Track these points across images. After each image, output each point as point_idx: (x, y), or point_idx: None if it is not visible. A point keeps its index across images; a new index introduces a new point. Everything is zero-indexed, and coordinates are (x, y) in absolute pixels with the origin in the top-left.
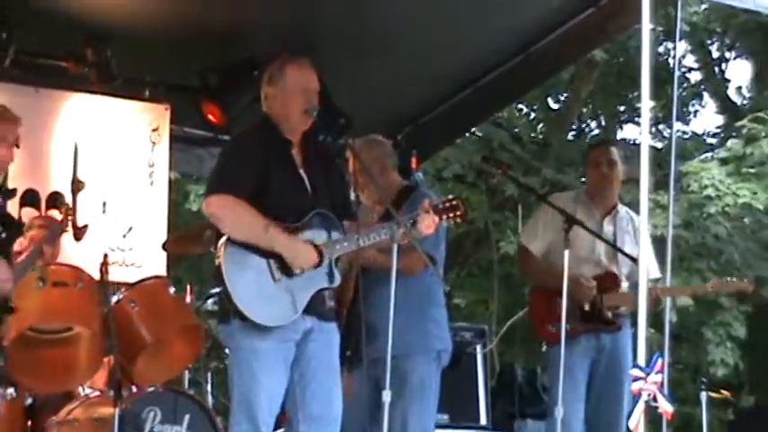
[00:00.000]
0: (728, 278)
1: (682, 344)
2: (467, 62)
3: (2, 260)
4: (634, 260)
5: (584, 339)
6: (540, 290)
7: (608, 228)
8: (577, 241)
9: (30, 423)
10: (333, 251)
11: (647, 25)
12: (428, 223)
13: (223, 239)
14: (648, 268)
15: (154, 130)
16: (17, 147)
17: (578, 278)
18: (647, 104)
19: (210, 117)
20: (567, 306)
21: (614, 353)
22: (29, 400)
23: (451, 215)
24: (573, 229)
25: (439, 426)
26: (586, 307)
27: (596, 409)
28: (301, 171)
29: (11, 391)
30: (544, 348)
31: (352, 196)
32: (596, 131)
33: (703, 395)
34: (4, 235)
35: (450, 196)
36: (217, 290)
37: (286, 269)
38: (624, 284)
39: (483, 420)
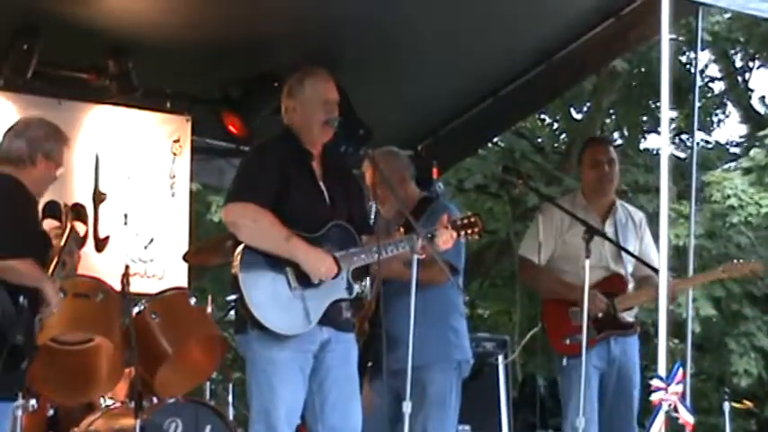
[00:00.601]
0: (738, 260)
1: (705, 354)
2: (487, 73)
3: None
4: (639, 259)
5: (596, 350)
6: (550, 302)
7: (609, 228)
8: (579, 245)
9: None
10: (350, 263)
11: (666, 35)
12: (446, 238)
13: (240, 248)
14: (651, 258)
15: (175, 142)
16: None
17: (592, 294)
18: (666, 114)
19: (231, 128)
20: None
21: (623, 365)
22: (50, 412)
23: (469, 231)
24: (572, 231)
25: None
26: (600, 314)
27: (609, 421)
28: (321, 183)
29: (32, 402)
30: (564, 362)
31: (371, 208)
32: (619, 141)
33: (726, 405)
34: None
35: (469, 213)
36: (233, 297)
37: (304, 279)
38: (630, 284)
39: (505, 431)
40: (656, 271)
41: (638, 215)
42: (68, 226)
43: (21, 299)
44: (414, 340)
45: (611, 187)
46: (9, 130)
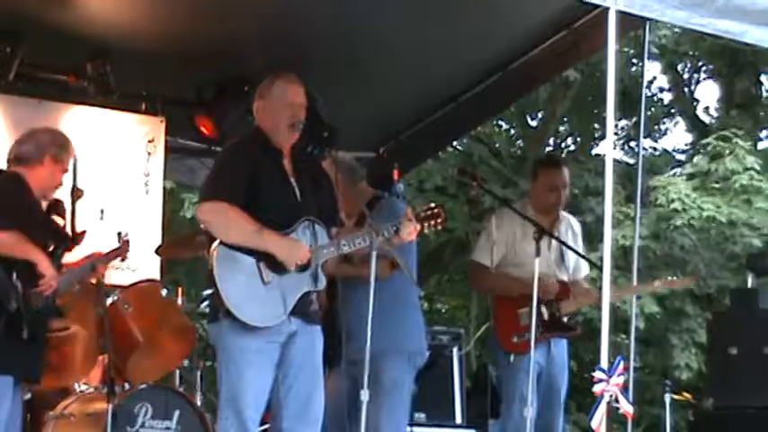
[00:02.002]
0: (673, 277)
1: (649, 349)
2: (447, 79)
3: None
4: (593, 263)
5: (538, 348)
6: (500, 303)
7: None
8: (530, 252)
9: (28, 416)
10: (319, 255)
11: (612, 48)
12: (410, 230)
13: (215, 243)
14: (582, 266)
15: (149, 142)
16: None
17: (544, 280)
18: (611, 122)
19: (203, 130)
20: (530, 316)
21: (558, 363)
22: (27, 396)
23: (432, 222)
24: (524, 241)
25: (416, 424)
26: (545, 316)
27: (540, 413)
28: (291, 180)
29: None
30: (512, 359)
31: None
32: (572, 147)
33: (667, 397)
34: (52, 248)
35: (432, 204)
36: (209, 291)
37: (278, 269)
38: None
39: (458, 419)
40: (600, 269)
41: (577, 225)
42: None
43: (13, 272)
44: (366, 332)
45: (556, 210)
46: (18, 138)
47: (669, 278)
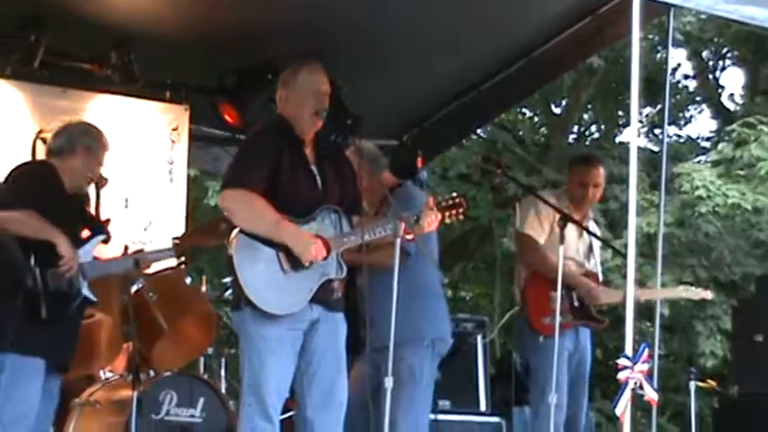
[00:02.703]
0: (697, 288)
1: (674, 336)
2: (471, 67)
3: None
4: (618, 251)
5: (568, 334)
6: (536, 283)
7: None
8: (565, 237)
9: None
10: (340, 244)
11: (636, 35)
12: (431, 220)
13: (235, 231)
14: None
15: (174, 130)
16: None
17: (588, 282)
18: (635, 109)
19: (227, 118)
20: (565, 301)
21: (584, 351)
22: None
23: (454, 212)
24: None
25: (440, 411)
26: (576, 303)
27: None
28: (313, 168)
29: None
30: (541, 340)
31: None
32: (596, 135)
33: (692, 385)
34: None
35: (454, 194)
36: (229, 279)
37: (294, 261)
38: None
39: (483, 406)
40: (624, 256)
41: (596, 229)
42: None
43: (31, 253)
44: (387, 320)
45: (592, 203)
46: (54, 131)
47: (694, 289)
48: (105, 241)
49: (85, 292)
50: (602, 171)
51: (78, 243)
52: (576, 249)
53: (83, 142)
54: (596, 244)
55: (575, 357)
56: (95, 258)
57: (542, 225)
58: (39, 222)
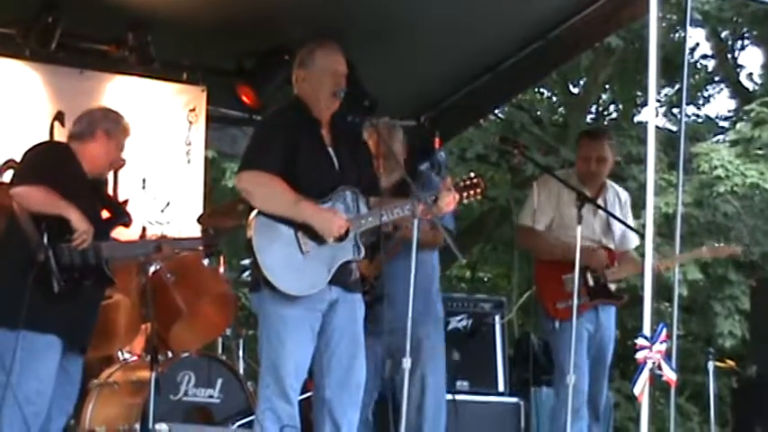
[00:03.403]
0: (720, 243)
1: (692, 316)
2: (488, 47)
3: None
4: (636, 231)
5: (586, 315)
6: (543, 269)
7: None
8: (574, 217)
9: None
10: (358, 225)
11: (654, 14)
12: (448, 201)
13: (254, 213)
14: (630, 237)
15: (191, 111)
16: None
17: (589, 248)
18: (653, 89)
19: (245, 99)
20: (579, 283)
21: (606, 330)
22: None
23: (472, 192)
24: (570, 206)
25: (459, 392)
26: (591, 282)
27: (591, 384)
28: (330, 149)
29: None
30: (557, 325)
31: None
32: (614, 114)
33: (710, 365)
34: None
35: (472, 174)
36: (248, 261)
37: (315, 240)
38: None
39: (501, 387)
40: (641, 236)
41: (624, 195)
42: None
43: (44, 228)
44: (403, 300)
45: (599, 177)
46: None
47: (716, 245)
48: (126, 224)
49: (105, 270)
50: (605, 144)
51: (97, 223)
52: (591, 228)
53: (103, 127)
54: (617, 215)
55: (595, 338)
56: (115, 240)
57: (541, 209)
58: (52, 198)
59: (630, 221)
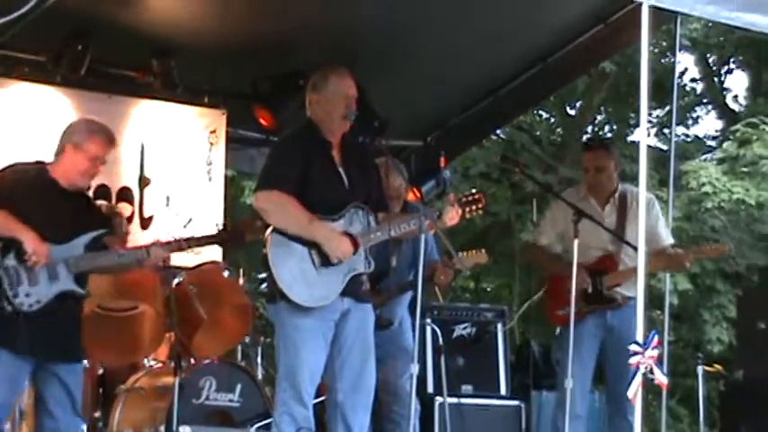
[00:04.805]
0: (709, 244)
1: (682, 324)
2: (491, 72)
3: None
4: (620, 238)
5: (591, 320)
6: (551, 277)
7: (609, 213)
8: (584, 231)
9: (101, 390)
10: (367, 240)
11: (645, 41)
12: (452, 215)
13: (269, 230)
14: (660, 234)
15: (212, 133)
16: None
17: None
18: (644, 111)
19: (262, 121)
20: (578, 290)
21: (623, 331)
22: (100, 371)
23: (474, 207)
24: (582, 220)
25: (463, 395)
26: (589, 290)
27: (614, 382)
28: (340, 169)
29: (85, 362)
30: (558, 331)
31: None
32: (609, 134)
33: (699, 369)
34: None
35: (473, 190)
36: (264, 275)
37: (325, 257)
38: (628, 261)
39: (503, 390)
40: (635, 248)
41: (647, 197)
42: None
43: (9, 249)
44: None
45: (602, 185)
46: None
47: (707, 246)
48: (111, 235)
49: (70, 285)
50: (603, 154)
51: (61, 239)
52: (598, 237)
53: (70, 140)
54: (634, 218)
55: (610, 341)
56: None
57: (551, 226)
58: (6, 221)
59: (659, 221)
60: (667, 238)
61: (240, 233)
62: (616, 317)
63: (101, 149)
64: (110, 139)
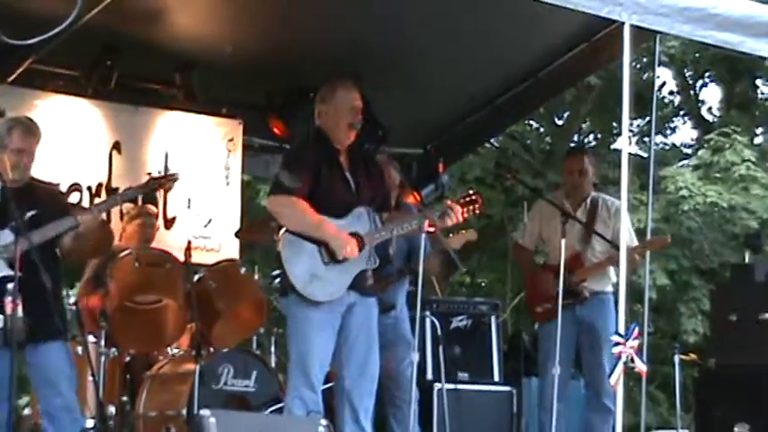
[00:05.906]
0: (653, 237)
1: (660, 316)
2: (485, 86)
3: None
4: (605, 238)
5: (564, 314)
6: (529, 276)
7: (581, 215)
8: (556, 231)
9: (128, 376)
10: (372, 239)
11: (627, 57)
12: (452, 215)
13: (282, 231)
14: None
15: (229, 141)
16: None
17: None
18: (626, 122)
19: (275, 130)
20: (550, 288)
21: (593, 323)
22: (127, 358)
23: (471, 207)
24: (553, 223)
25: (460, 381)
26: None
27: (589, 368)
28: (347, 174)
29: (113, 350)
30: (537, 326)
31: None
32: (593, 143)
33: (676, 358)
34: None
35: (471, 191)
36: (278, 272)
37: (333, 256)
38: (594, 260)
39: (496, 377)
40: (616, 247)
41: (615, 205)
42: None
43: None
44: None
45: (581, 188)
46: None
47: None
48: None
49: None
50: (584, 159)
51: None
52: (575, 237)
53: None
54: (601, 222)
55: (584, 333)
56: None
57: (531, 228)
58: None
59: (623, 226)
60: (631, 241)
61: (158, 179)
62: (585, 310)
63: (20, 141)
64: (29, 131)
